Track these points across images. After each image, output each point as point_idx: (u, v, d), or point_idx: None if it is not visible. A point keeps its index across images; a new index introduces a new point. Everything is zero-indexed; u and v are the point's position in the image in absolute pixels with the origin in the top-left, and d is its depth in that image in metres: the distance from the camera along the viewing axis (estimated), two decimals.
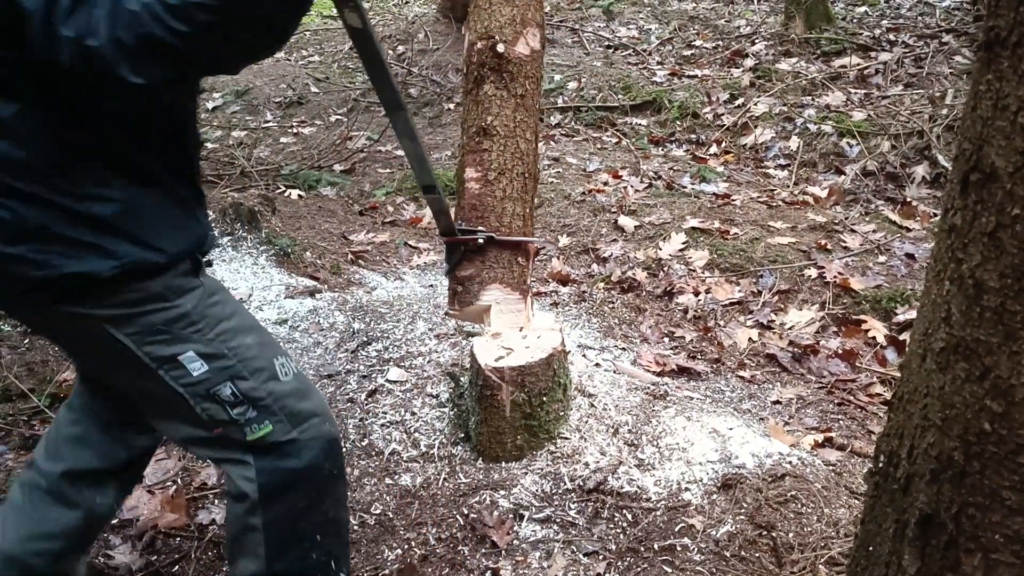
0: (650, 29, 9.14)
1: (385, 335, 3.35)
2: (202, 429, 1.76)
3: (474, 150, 2.68)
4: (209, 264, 1.92)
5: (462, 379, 2.85)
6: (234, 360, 1.73)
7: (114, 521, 2.52)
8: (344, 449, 2.74)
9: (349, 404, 2.98)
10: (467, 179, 2.69)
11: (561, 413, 2.65)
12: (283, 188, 5.48)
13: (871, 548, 1.42)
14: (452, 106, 7.33)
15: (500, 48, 2.60)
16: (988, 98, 1.08)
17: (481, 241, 2.62)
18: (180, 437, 1.84)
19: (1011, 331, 1.07)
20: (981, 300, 1.10)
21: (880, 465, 1.40)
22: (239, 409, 1.73)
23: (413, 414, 2.86)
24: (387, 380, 3.06)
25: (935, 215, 4.74)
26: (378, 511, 2.50)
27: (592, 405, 2.76)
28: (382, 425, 2.83)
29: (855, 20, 8.82)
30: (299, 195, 5.28)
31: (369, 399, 2.98)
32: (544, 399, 2.56)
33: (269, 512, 1.79)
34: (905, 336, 3.52)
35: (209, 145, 6.68)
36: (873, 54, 7.46)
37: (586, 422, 2.69)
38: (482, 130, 2.65)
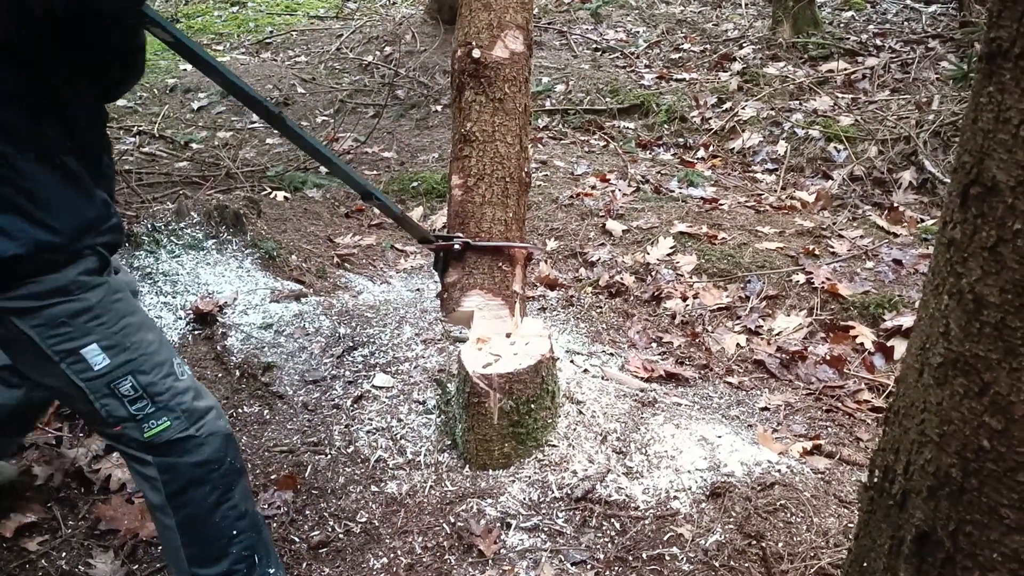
0: (638, 32, 9.14)
1: (371, 340, 3.32)
2: (104, 427, 1.79)
3: (457, 157, 2.67)
4: (116, 272, 1.95)
5: (449, 385, 2.82)
6: (136, 354, 1.76)
7: (96, 531, 2.49)
8: (329, 456, 2.72)
9: (335, 410, 2.94)
10: (452, 186, 2.69)
11: (549, 420, 2.63)
12: (269, 190, 5.42)
13: (865, 564, 1.41)
14: (439, 108, 7.30)
15: (476, 53, 2.58)
16: (989, 110, 1.06)
17: (458, 247, 2.60)
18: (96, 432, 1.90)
19: (1011, 347, 1.06)
20: (981, 315, 1.08)
21: (875, 480, 1.38)
22: (138, 405, 1.76)
23: (399, 421, 2.83)
24: (373, 386, 3.03)
25: (922, 221, 4.75)
26: (364, 519, 2.47)
27: (580, 412, 2.74)
28: (368, 432, 2.80)
29: (842, 25, 8.85)
30: (285, 197, 5.23)
31: (355, 405, 2.95)
32: (532, 406, 2.54)
33: (180, 512, 1.82)
34: (893, 342, 3.52)
35: (194, 146, 6.62)
36: (860, 59, 7.48)
37: (574, 429, 2.67)
38: (463, 137, 2.64)
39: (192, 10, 11.84)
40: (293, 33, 10.17)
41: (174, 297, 3.54)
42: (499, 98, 2.62)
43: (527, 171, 2.76)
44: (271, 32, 10.29)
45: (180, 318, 3.44)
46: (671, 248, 4.33)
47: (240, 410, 3.00)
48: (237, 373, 3.15)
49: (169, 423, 1.78)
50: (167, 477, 1.80)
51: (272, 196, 5.26)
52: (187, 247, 3.79)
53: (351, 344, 3.29)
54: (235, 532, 1.87)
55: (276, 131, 2.29)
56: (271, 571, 1.95)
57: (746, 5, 10.09)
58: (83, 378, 1.72)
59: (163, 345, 1.84)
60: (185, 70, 8.40)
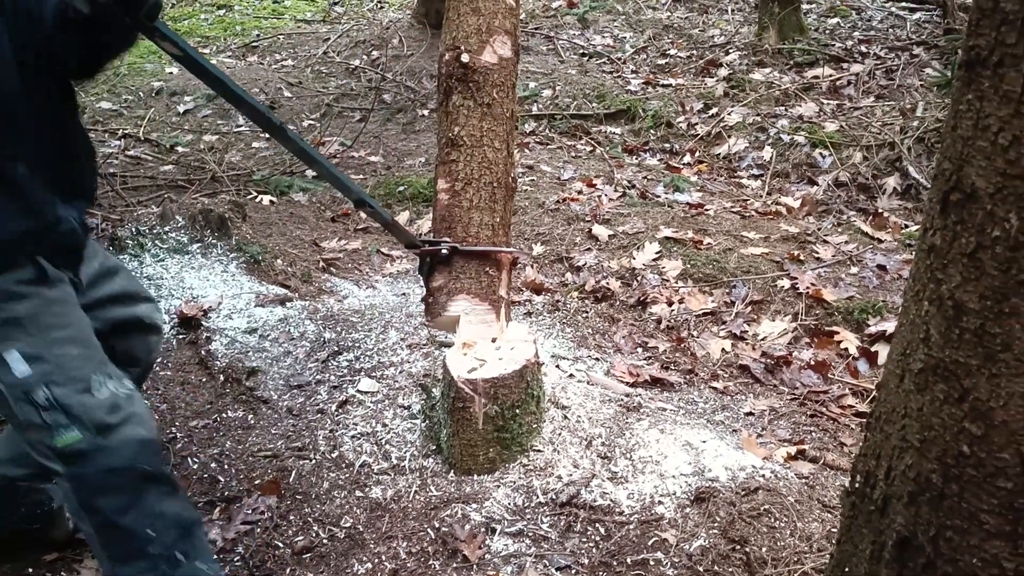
0: (625, 38, 9.16)
1: (356, 345, 3.31)
2: (21, 431, 1.85)
3: (444, 161, 2.67)
4: (76, 285, 2.00)
5: (434, 390, 2.82)
6: (54, 366, 1.80)
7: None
8: (313, 461, 2.71)
9: (319, 415, 2.94)
10: (438, 190, 2.68)
11: (534, 425, 2.62)
12: (254, 194, 5.41)
13: (847, 569, 1.41)
14: (426, 112, 7.29)
15: (465, 58, 2.58)
16: (969, 118, 1.07)
17: (445, 251, 2.60)
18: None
19: (990, 353, 1.06)
20: (961, 321, 1.09)
21: (857, 485, 1.38)
22: (51, 415, 1.79)
23: (384, 426, 2.82)
24: (358, 391, 3.02)
25: (906, 226, 4.77)
26: (348, 524, 2.47)
27: (565, 417, 2.74)
28: (352, 437, 2.79)
29: (827, 31, 8.89)
30: (270, 201, 5.22)
31: (339, 410, 2.94)
32: (517, 411, 2.54)
33: (93, 517, 1.86)
34: (877, 348, 3.54)
35: (180, 149, 6.60)
36: (845, 65, 7.52)
37: (559, 434, 2.67)
38: (450, 141, 2.64)
39: (179, 12, 11.80)
40: (280, 37, 10.14)
41: (158, 301, 3.52)
42: (487, 103, 2.63)
43: (513, 176, 2.77)
44: (257, 36, 10.27)
45: (164, 322, 3.43)
46: (657, 253, 4.34)
47: (224, 415, 2.99)
48: (221, 378, 3.14)
49: (79, 435, 1.81)
50: (75, 485, 1.84)
51: (258, 200, 5.24)
52: (172, 251, 3.77)
53: (336, 349, 3.29)
54: (151, 533, 1.89)
55: (270, 137, 2.30)
56: (201, 567, 1.96)
57: (732, 11, 10.13)
58: (4, 382, 1.79)
59: (87, 361, 1.88)
60: (171, 73, 8.37)
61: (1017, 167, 1.00)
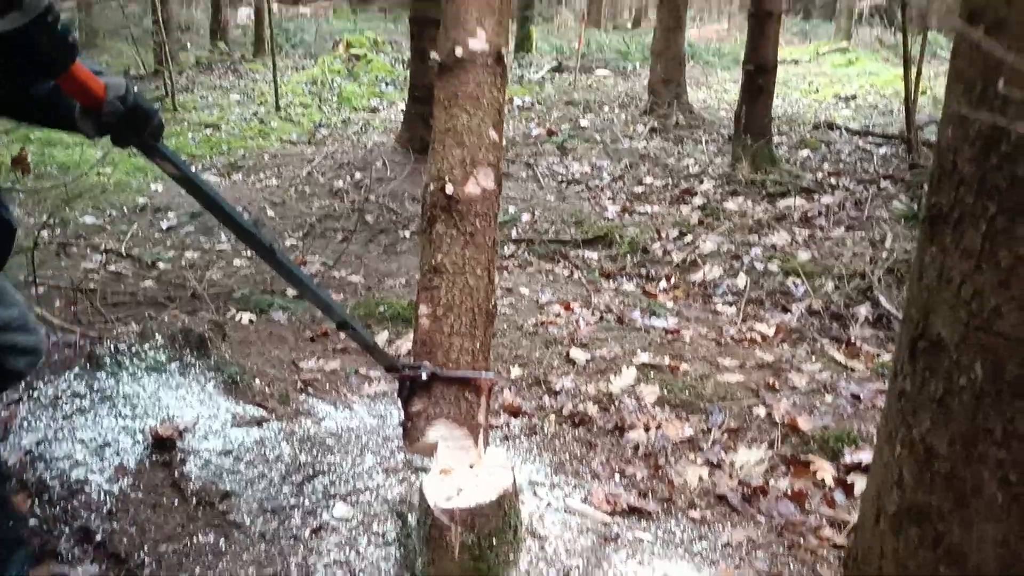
0: (602, 166, 9.44)
1: (332, 468, 3.28)
2: None
3: (426, 287, 2.72)
4: None
5: (410, 517, 2.78)
6: None
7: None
8: None
9: (292, 541, 2.88)
10: (420, 315, 2.72)
11: (511, 556, 2.59)
12: (234, 311, 5.43)
13: None
14: (407, 234, 7.42)
15: (449, 189, 2.67)
16: (933, 269, 1.12)
17: (425, 376, 2.63)
18: None
19: (962, 497, 1.09)
20: (932, 466, 1.12)
21: None
22: None
23: (358, 553, 2.78)
24: (333, 516, 2.98)
25: (878, 355, 4.85)
26: None
27: (542, 548, 2.71)
28: (326, 565, 2.74)
29: (799, 163, 9.22)
30: (250, 320, 5.24)
31: (313, 536, 2.89)
32: (494, 541, 2.51)
33: None
34: (853, 478, 3.54)
35: (161, 265, 6.65)
36: (816, 196, 7.77)
37: (536, 565, 2.63)
38: (433, 268, 2.70)
39: (167, 132, 12.05)
40: (265, 156, 10.37)
41: (133, 420, 3.49)
42: (470, 232, 2.70)
43: (494, 302, 2.82)
44: (243, 155, 10.49)
45: (138, 442, 3.39)
46: (634, 378, 4.37)
47: (196, 539, 2.93)
48: (194, 500, 3.09)
49: None
50: None
51: (238, 318, 5.26)
52: (149, 369, 3.76)
53: (311, 472, 3.25)
54: None
55: (252, 255, 2.36)
56: None
57: (706, 142, 10.49)
58: None
59: None
60: (156, 190, 8.49)
61: (980, 319, 1.05)
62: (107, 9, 22.22)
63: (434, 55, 2.76)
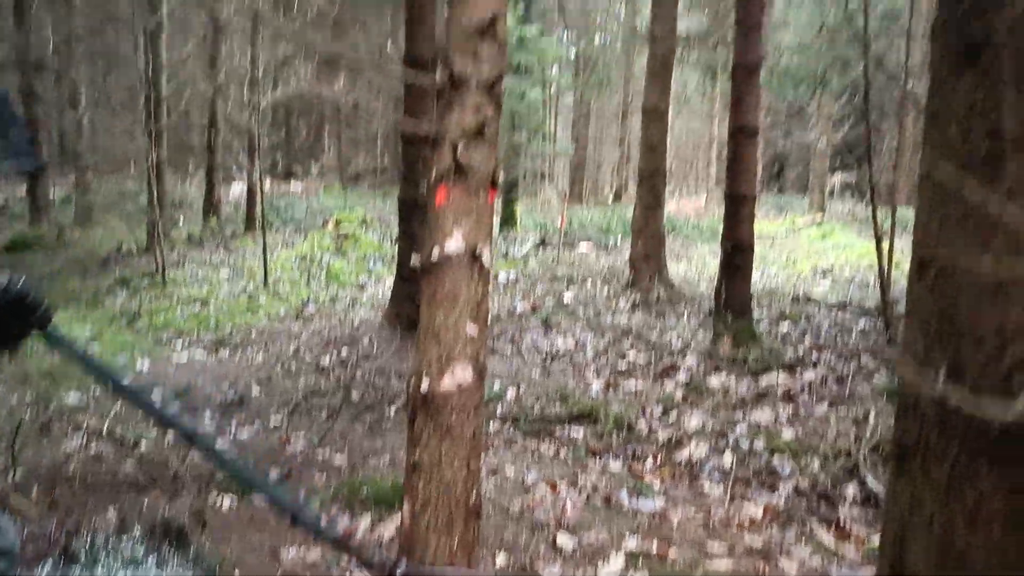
0: (586, 341, 9.56)
1: None
2: None
3: (408, 485, 2.75)
4: None
5: None
6: None
7: None
8: None
9: None
10: (404, 511, 2.74)
11: None
12: (216, 493, 5.35)
13: None
14: (393, 412, 7.41)
15: (423, 387, 2.73)
16: (904, 498, 1.16)
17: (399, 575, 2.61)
18: None
19: None
20: None
21: None
22: None
23: None
24: None
25: (868, 539, 4.78)
26: None
27: None
28: None
29: (779, 337, 9.37)
30: (231, 504, 5.15)
31: None
32: None
33: None
34: None
35: (143, 446, 6.58)
36: (798, 371, 7.86)
37: None
38: (412, 464, 2.75)
39: (156, 306, 12.20)
40: (253, 332, 10.47)
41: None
42: (447, 427, 2.74)
43: (476, 496, 2.81)
44: (231, 331, 10.59)
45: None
46: (622, 567, 4.28)
47: None
48: None
49: None
50: None
51: (219, 502, 5.18)
52: (126, 563, 3.68)
53: None
54: None
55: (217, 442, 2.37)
56: None
57: (688, 316, 10.69)
58: None
59: None
60: (140, 371, 8.52)
61: (954, 550, 1.08)
62: (105, 184, 22.96)
63: (415, 259, 2.87)
